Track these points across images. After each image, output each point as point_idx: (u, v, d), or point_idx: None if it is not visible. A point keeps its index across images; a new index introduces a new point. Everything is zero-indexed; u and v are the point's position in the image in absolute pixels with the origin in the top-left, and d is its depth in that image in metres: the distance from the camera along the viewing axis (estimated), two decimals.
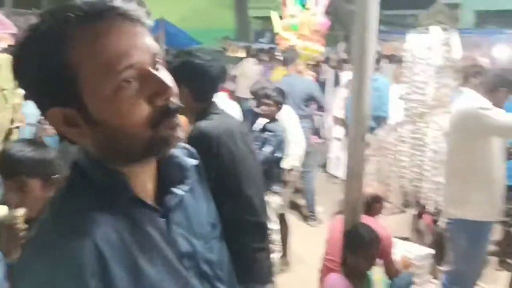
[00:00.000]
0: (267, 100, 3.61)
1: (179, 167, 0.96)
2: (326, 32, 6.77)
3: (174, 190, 0.94)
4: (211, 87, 1.98)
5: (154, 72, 0.82)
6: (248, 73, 8.01)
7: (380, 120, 5.21)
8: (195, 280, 0.93)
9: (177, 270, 0.89)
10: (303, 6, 6.51)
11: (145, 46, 0.82)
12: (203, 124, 1.92)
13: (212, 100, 2.02)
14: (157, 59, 0.84)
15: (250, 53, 9.12)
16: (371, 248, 2.52)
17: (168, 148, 0.86)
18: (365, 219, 2.84)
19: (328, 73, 9.28)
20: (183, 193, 0.95)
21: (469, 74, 3.37)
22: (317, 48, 6.54)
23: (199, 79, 1.86)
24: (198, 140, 1.78)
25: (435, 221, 4.12)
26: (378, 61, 6.41)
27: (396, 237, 4.10)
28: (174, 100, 0.84)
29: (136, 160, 0.86)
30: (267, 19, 7.30)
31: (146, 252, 0.84)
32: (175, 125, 0.84)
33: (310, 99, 5.06)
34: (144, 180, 0.90)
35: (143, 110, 0.80)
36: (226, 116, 2.02)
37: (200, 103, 1.90)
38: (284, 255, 4.13)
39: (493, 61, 6.14)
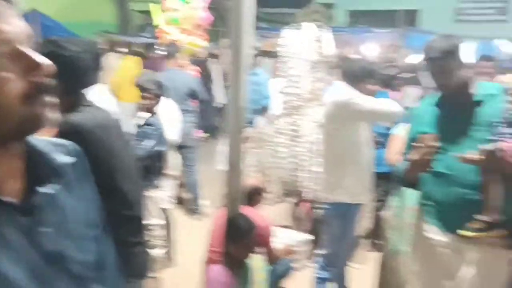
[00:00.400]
0: (146, 94, 3.55)
1: (51, 164, 0.94)
2: (208, 27, 6.80)
3: (41, 188, 0.90)
4: (79, 79, 1.90)
5: (28, 49, 0.82)
6: (111, 68, 7.79)
7: (260, 113, 5.36)
8: (63, 282, 0.90)
9: (41, 272, 0.86)
10: (184, 0, 6.48)
11: (18, 25, 0.82)
12: (74, 117, 1.84)
13: (82, 92, 1.94)
14: (31, 42, 0.84)
15: (112, 48, 8.84)
16: (249, 237, 2.60)
17: (40, 126, 0.85)
18: (245, 209, 2.92)
19: (215, 69, 9.35)
20: (52, 191, 0.92)
21: (341, 68, 3.58)
22: (200, 43, 6.55)
23: (65, 70, 1.77)
24: (69, 134, 1.70)
25: (312, 208, 4.35)
26: (257, 56, 6.60)
27: (277, 225, 4.27)
28: (48, 78, 0.84)
29: (7, 140, 0.83)
30: (149, 13, 7.15)
31: (4, 254, 0.80)
32: (48, 102, 0.84)
33: (192, 93, 5.06)
34: (3, 177, 0.86)
35: (17, 85, 0.80)
36: (97, 109, 1.96)
37: (68, 95, 1.82)
38: (169, 250, 4.10)
39: (363, 56, 6.61)
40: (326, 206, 3.48)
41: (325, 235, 3.54)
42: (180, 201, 5.45)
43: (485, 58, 4.77)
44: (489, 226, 2.05)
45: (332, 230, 3.43)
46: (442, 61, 2.13)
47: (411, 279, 2.49)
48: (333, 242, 3.44)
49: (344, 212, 3.33)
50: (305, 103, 4.29)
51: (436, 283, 2.28)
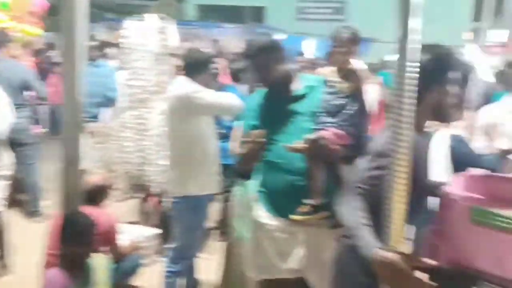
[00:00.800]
0: None
1: None
2: (44, 14, 6.32)
3: None
4: None
5: None
6: None
7: (105, 106, 5.16)
8: None
9: None
10: None
11: None
12: None
13: None
14: None
15: None
16: (87, 236, 2.50)
17: None
18: (86, 208, 2.79)
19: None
20: None
21: (183, 61, 3.58)
22: (35, 31, 6.06)
23: None
24: None
25: (160, 202, 4.32)
26: (102, 47, 6.34)
27: (124, 222, 4.17)
28: None
29: None
30: None
31: None
32: None
33: (26, 86, 4.67)
34: None
35: None
36: None
37: None
38: (2, 256, 3.77)
39: (211, 50, 6.69)
40: (175, 200, 3.48)
41: (175, 229, 3.53)
42: (17, 203, 5.03)
43: (302, 52, 5.16)
44: (316, 209, 2.22)
45: (182, 223, 3.42)
46: (259, 58, 2.25)
47: (252, 264, 2.60)
48: (183, 235, 3.43)
49: (194, 205, 3.35)
50: (150, 95, 4.23)
51: (272, 265, 2.41)
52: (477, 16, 15.14)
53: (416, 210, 1.85)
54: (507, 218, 1.61)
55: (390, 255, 1.51)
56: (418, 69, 1.48)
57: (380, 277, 1.55)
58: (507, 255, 1.61)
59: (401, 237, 1.52)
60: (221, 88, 4.04)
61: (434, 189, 1.96)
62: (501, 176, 1.86)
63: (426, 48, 1.77)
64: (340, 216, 1.72)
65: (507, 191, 1.72)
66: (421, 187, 1.83)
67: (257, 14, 15.27)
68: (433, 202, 2.23)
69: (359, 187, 1.75)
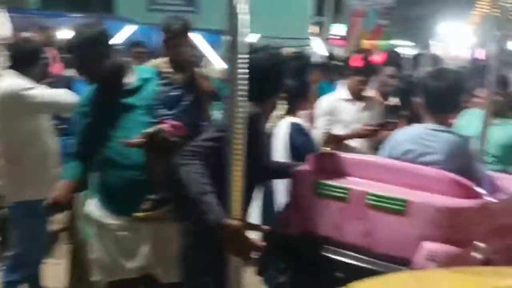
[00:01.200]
0: None
1: None
2: None
3: None
4: None
5: None
6: None
7: None
8: None
9: None
10: None
11: None
12: None
13: None
14: None
15: None
16: None
17: None
18: None
19: None
20: None
21: (10, 52, 3.29)
22: None
23: None
24: None
25: None
26: None
27: None
28: None
29: None
30: None
31: None
32: None
33: None
34: None
35: None
36: None
37: None
38: None
39: (56, 42, 6.27)
40: (12, 205, 3.23)
41: (13, 235, 3.27)
42: None
43: (135, 43, 5.13)
44: (158, 204, 2.21)
45: (21, 229, 3.22)
46: (85, 51, 2.16)
47: (96, 266, 2.51)
48: (23, 242, 3.23)
49: (32, 210, 3.12)
50: None
51: (117, 266, 2.35)
52: (319, 11, 16.28)
53: (258, 187, 2.08)
54: (340, 188, 1.91)
55: (234, 222, 1.60)
56: (247, 61, 1.55)
57: (224, 242, 1.63)
58: (342, 221, 1.88)
59: (240, 207, 1.62)
60: (61, 80, 3.81)
61: (279, 170, 2.22)
62: (339, 155, 2.13)
63: (263, 48, 1.97)
64: (185, 184, 1.76)
65: (342, 166, 2.02)
66: (263, 168, 2.02)
67: (107, 3, 14.65)
68: (279, 181, 2.53)
69: (197, 152, 1.81)
